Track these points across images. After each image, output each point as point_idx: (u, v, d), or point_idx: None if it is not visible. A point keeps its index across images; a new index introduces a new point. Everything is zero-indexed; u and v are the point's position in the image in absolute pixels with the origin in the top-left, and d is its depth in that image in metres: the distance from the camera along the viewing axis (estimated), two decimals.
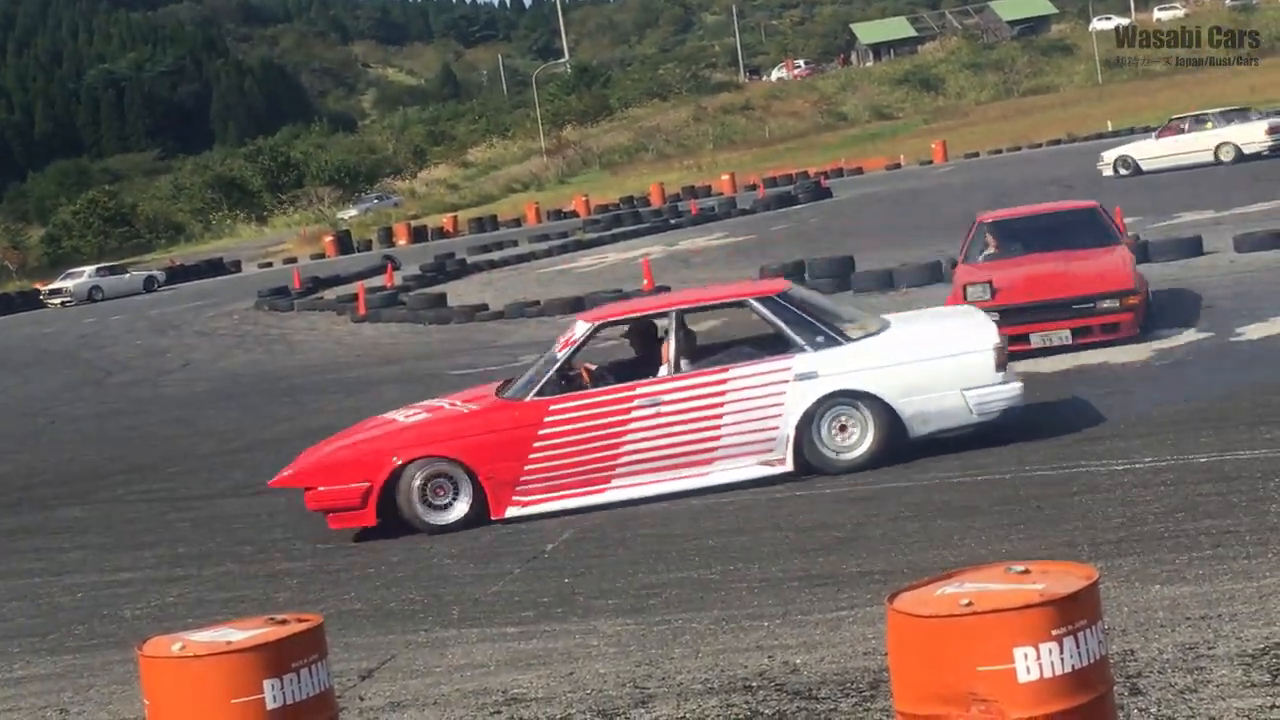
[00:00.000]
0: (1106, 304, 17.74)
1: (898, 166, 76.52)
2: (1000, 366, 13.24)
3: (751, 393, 13.09)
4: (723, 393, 13.10)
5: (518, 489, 13.16)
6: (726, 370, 13.23)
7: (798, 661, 8.13)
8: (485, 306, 32.50)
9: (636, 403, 13.15)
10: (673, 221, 55.51)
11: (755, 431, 13.08)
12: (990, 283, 17.99)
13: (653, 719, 7.55)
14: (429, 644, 9.59)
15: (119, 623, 11.32)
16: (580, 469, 13.16)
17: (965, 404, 13.06)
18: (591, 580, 10.64)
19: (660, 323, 13.99)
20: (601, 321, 13.95)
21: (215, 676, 5.54)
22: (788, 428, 13.01)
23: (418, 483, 13.12)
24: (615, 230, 54.77)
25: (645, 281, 31.05)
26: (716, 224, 52.53)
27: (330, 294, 43.14)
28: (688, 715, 7.51)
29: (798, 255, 31.83)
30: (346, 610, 10.68)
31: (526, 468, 13.12)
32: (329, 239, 73.90)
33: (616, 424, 13.14)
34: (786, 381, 13.05)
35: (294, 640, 5.65)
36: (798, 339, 13.21)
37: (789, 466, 13.04)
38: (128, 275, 67.41)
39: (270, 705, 5.53)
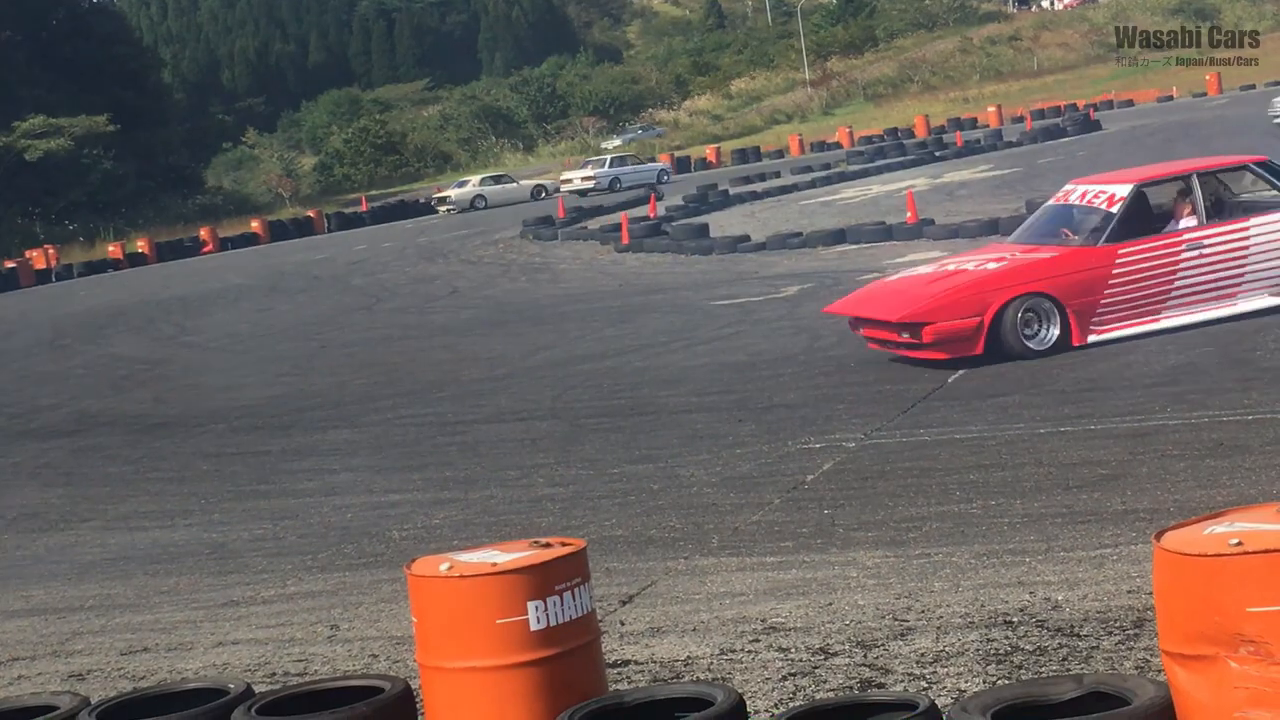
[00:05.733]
0: None
1: (1170, 99, 74.82)
2: None
3: (1269, 238, 16.10)
4: (1246, 239, 16.10)
5: (1093, 320, 15.81)
6: (1248, 220, 16.19)
7: (1060, 598, 8.06)
8: (747, 237, 32.51)
9: (1184, 248, 15.98)
10: (937, 154, 55.08)
11: (1272, 269, 16.11)
12: None
13: (912, 651, 7.53)
14: (689, 571, 9.66)
15: (387, 543, 11.57)
16: (1140, 302, 15.90)
17: None
18: (851, 512, 10.63)
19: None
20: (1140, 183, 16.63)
21: (481, 597, 5.68)
22: None
23: (1019, 316, 15.67)
24: (879, 162, 54.53)
25: (909, 214, 30.78)
26: (981, 156, 52.04)
27: (594, 224, 43.54)
28: (947, 649, 7.49)
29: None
30: (608, 536, 10.79)
31: (1102, 301, 15.81)
32: None
33: (1168, 265, 15.97)
34: None
35: (558, 563, 5.76)
36: None
37: None
38: (515, 185, 68.33)
39: (534, 626, 5.66)
